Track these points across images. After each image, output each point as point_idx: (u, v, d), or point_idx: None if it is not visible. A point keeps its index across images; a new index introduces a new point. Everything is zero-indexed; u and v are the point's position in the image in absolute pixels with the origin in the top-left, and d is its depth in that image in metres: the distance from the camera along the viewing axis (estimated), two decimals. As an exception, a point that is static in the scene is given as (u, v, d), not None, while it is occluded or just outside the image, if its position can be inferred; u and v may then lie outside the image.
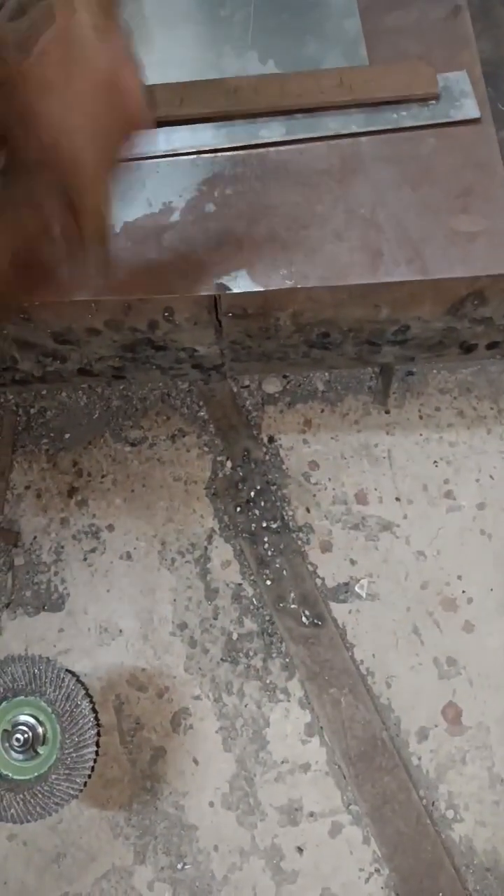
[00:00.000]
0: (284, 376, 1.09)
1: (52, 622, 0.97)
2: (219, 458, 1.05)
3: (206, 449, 1.06)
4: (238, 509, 1.01)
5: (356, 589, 0.94)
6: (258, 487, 1.01)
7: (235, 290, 0.87)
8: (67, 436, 1.08)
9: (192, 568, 0.98)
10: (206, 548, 0.99)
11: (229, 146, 0.92)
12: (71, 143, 0.56)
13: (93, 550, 1.01)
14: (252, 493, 1.01)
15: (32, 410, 1.10)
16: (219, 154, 0.92)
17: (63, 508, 1.04)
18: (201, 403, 1.09)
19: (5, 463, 1.07)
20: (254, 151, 0.93)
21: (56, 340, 0.94)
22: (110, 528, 1.02)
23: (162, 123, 0.92)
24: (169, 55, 0.97)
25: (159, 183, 0.91)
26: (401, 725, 0.88)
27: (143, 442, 1.07)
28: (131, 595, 0.98)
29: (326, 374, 1.08)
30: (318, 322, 0.95)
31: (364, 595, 0.94)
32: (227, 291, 0.87)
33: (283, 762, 0.88)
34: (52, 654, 0.94)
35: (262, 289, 0.87)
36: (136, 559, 1.00)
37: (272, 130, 0.92)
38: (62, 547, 1.01)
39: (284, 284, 0.88)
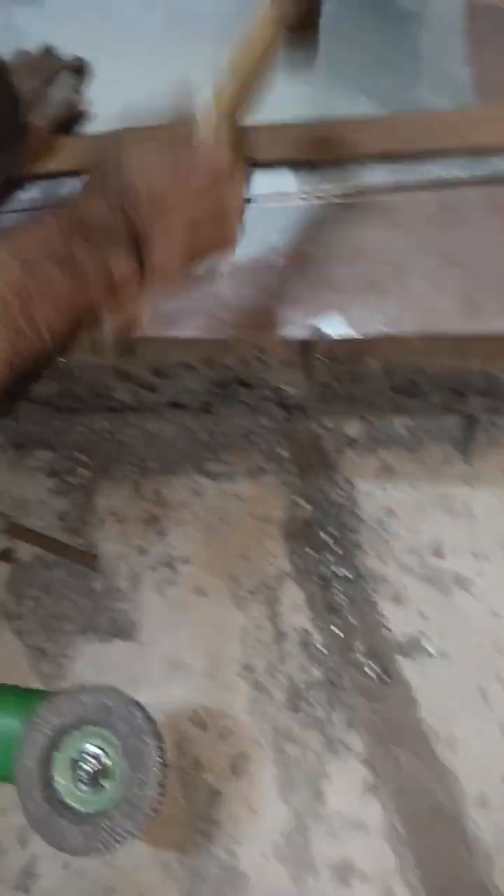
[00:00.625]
0: (367, 420, 1.08)
1: (123, 651, 0.99)
2: (296, 498, 1.05)
3: (284, 488, 1.06)
4: (311, 552, 1.00)
5: (426, 645, 0.92)
6: (333, 531, 1.01)
7: (330, 334, 0.87)
8: (152, 465, 1.11)
9: (262, 608, 0.98)
10: (277, 589, 0.99)
11: (333, 189, 0.93)
12: (169, 257, 0.63)
13: (167, 582, 1.03)
14: (327, 537, 1.01)
15: (121, 438, 1.13)
16: (322, 197, 0.93)
17: (142, 537, 1.06)
18: (282, 441, 1.09)
19: (93, 487, 1.10)
20: (356, 195, 0.93)
21: (153, 373, 0.97)
22: (186, 560, 1.04)
23: (268, 164, 0.93)
24: (278, 95, 0.98)
25: (262, 224, 0.92)
26: (462, 791, 0.86)
27: (223, 476, 1.08)
28: (201, 631, 0.98)
29: (409, 419, 1.06)
30: (407, 369, 0.94)
31: (434, 652, 0.91)
32: (322, 334, 0.87)
33: (339, 818, 0.87)
34: (122, 683, 0.95)
35: (356, 333, 0.87)
36: (209, 594, 1.01)
37: (376, 174, 0.92)
38: (139, 576, 1.04)
39: (379, 330, 0.87)
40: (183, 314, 0.88)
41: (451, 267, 0.88)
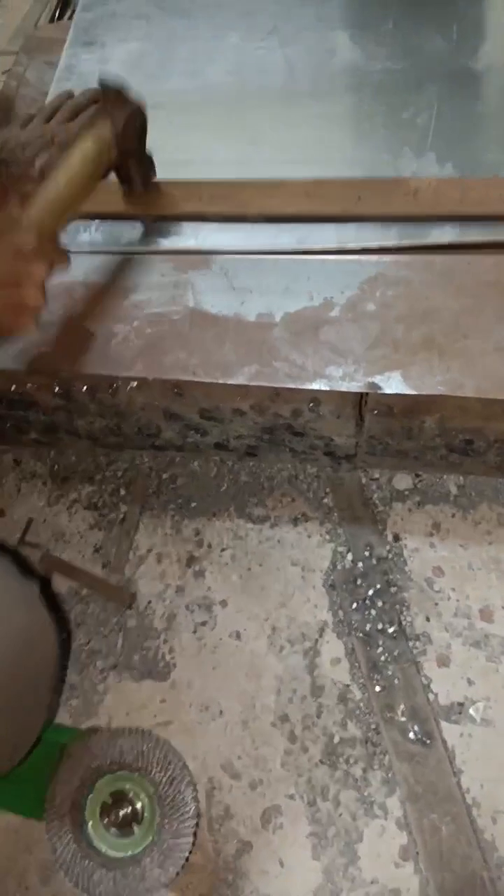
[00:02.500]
0: (416, 474, 1.08)
1: (155, 691, 0.97)
2: (340, 549, 1.04)
3: (327, 537, 1.05)
4: (354, 606, 0.99)
5: (470, 711, 0.90)
6: (378, 586, 1.00)
7: (387, 391, 0.87)
8: (194, 504, 1.10)
9: (301, 659, 0.97)
10: (316, 640, 0.98)
11: (397, 246, 0.93)
12: None
13: (204, 624, 1.01)
14: (371, 591, 0.99)
15: (164, 476, 1.13)
16: (385, 254, 0.94)
17: (180, 576, 1.05)
18: (328, 490, 1.09)
19: (133, 523, 1.10)
20: (421, 255, 0.94)
21: (202, 416, 0.97)
22: (223, 603, 1.02)
23: (336, 219, 0.94)
24: (350, 152, 1.00)
25: (324, 277, 0.93)
26: (502, 865, 0.83)
27: (265, 521, 1.08)
28: (236, 677, 0.97)
29: (461, 477, 1.06)
30: (463, 430, 0.94)
31: (478, 719, 0.89)
32: (379, 391, 0.87)
33: (372, 882, 0.84)
34: (152, 724, 0.94)
35: (413, 392, 0.87)
36: (245, 640, 0.99)
37: (444, 233, 0.92)
38: (174, 615, 1.02)
39: (437, 391, 0.87)
40: (237, 362, 0.88)
41: (512, 331, 0.88)
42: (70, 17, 1.31)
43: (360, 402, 0.91)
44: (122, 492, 1.13)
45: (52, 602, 1.05)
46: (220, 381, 0.90)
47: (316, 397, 0.91)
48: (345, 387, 0.88)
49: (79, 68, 1.15)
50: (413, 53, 1.07)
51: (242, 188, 0.95)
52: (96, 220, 0.99)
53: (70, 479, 1.15)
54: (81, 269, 0.97)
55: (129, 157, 0.85)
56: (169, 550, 1.07)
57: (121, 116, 0.79)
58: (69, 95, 0.88)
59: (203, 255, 0.96)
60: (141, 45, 1.15)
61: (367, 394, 0.89)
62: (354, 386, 0.87)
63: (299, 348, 0.90)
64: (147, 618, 1.03)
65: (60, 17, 1.33)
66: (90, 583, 1.07)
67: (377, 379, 0.87)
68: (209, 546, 1.07)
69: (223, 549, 1.06)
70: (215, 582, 1.04)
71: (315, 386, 0.88)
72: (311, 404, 0.92)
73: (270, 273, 0.94)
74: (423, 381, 0.87)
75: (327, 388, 0.88)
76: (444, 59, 1.06)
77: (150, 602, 1.04)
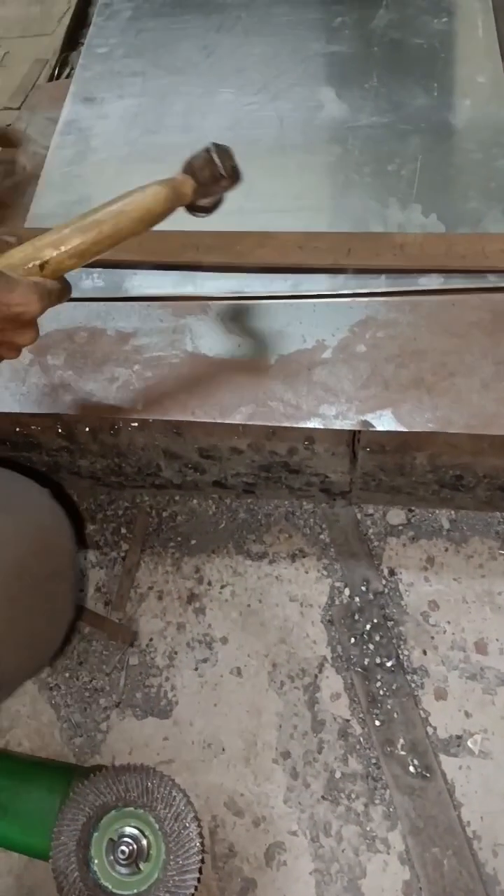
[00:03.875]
0: (410, 509, 1.10)
1: (158, 729, 0.98)
2: (337, 584, 1.06)
3: (324, 573, 1.07)
4: (353, 641, 1.01)
5: (469, 744, 0.91)
6: (375, 621, 1.01)
7: (379, 428, 0.90)
8: (193, 542, 1.12)
9: (301, 695, 0.98)
10: (316, 676, 0.99)
11: (385, 291, 0.97)
12: None
13: (205, 661, 1.03)
14: (368, 626, 1.01)
15: (164, 514, 1.15)
16: (374, 297, 0.98)
17: (181, 614, 1.06)
18: (324, 526, 1.11)
19: (133, 561, 1.12)
20: (408, 298, 0.98)
21: (200, 455, 1.00)
22: (224, 640, 1.04)
23: (327, 270, 0.98)
24: (340, 203, 1.05)
25: (316, 321, 0.97)
26: (505, 901, 0.84)
27: (263, 557, 1.10)
28: (238, 714, 0.98)
29: (453, 512, 1.08)
30: (453, 465, 0.97)
31: (477, 752, 0.91)
32: (371, 429, 0.90)
33: (376, 919, 0.84)
34: (155, 762, 0.95)
35: (404, 429, 0.90)
36: (246, 677, 1.01)
37: (430, 280, 0.97)
38: (176, 653, 1.04)
39: (427, 427, 0.90)
40: (234, 403, 0.92)
41: (501, 371, 0.92)
42: (69, 76, 1.36)
43: (353, 439, 0.94)
44: (123, 530, 1.15)
45: (65, 504, 1.06)
46: (219, 421, 0.93)
47: (310, 435, 0.94)
48: (338, 425, 0.91)
49: (78, 123, 1.20)
50: (396, 109, 1.12)
51: (237, 239, 0.99)
52: (98, 268, 1.03)
53: (72, 518, 1.17)
54: (83, 315, 1.00)
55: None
56: (170, 588, 1.09)
57: (214, 191, 0.72)
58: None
59: (200, 301, 1.00)
60: (138, 101, 1.21)
61: (359, 431, 0.92)
62: (347, 424, 0.91)
63: (294, 388, 0.93)
64: (149, 655, 1.04)
65: (58, 77, 1.39)
66: (93, 621, 1.08)
67: (369, 417, 0.90)
68: (209, 583, 1.09)
69: (223, 586, 1.08)
70: (215, 619, 1.06)
71: (310, 424, 0.91)
72: (305, 442, 0.95)
73: (264, 318, 0.97)
74: (414, 419, 0.90)
75: (321, 427, 0.92)
76: (426, 115, 1.11)
77: (151, 639, 1.05)
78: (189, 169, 0.70)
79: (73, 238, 0.65)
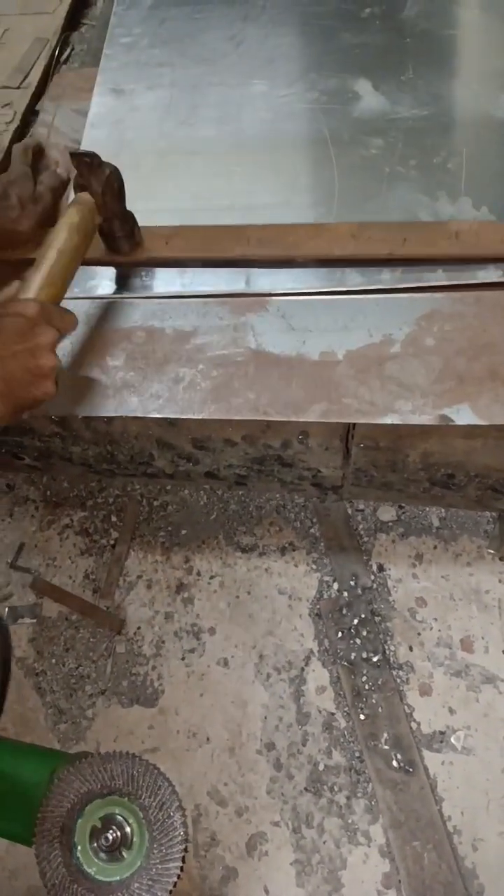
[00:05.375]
0: (400, 506, 1.11)
1: (143, 717, 0.99)
2: (326, 579, 1.06)
3: (314, 566, 1.08)
4: (340, 635, 1.01)
5: (452, 740, 0.92)
6: (363, 616, 1.02)
7: (458, 423, 0.88)
8: (184, 532, 1.12)
9: (287, 687, 0.99)
10: (302, 669, 1.00)
11: (447, 284, 0.95)
12: None
13: (192, 651, 1.03)
14: (356, 621, 1.02)
15: (155, 503, 1.15)
16: (435, 292, 0.96)
17: (170, 603, 1.07)
18: (314, 520, 1.12)
19: (123, 549, 1.12)
20: (470, 292, 0.96)
21: (194, 446, 0.99)
22: (212, 630, 1.04)
23: (383, 262, 0.97)
24: (389, 197, 1.03)
25: (379, 315, 0.94)
26: (484, 895, 0.85)
27: (253, 549, 1.10)
28: (223, 704, 0.98)
29: (443, 510, 1.09)
30: (446, 464, 0.97)
31: (459, 748, 0.92)
32: (451, 423, 0.88)
33: (355, 910, 0.85)
34: (140, 749, 0.95)
35: (485, 423, 0.88)
36: (233, 668, 1.01)
37: (489, 273, 0.95)
38: (163, 642, 1.04)
39: None
40: (307, 400, 0.89)
41: None
42: (69, 59, 1.34)
43: (347, 434, 0.94)
44: (114, 518, 1.15)
45: None
46: (293, 419, 0.91)
47: (305, 430, 0.93)
48: (415, 420, 0.88)
49: (110, 116, 1.17)
50: (435, 101, 1.11)
51: (289, 231, 0.97)
52: (147, 266, 1.00)
53: (62, 504, 1.17)
54: (139, 314, 0.97)
55: (112, 219, 0.89)
56: (158, 577, 1.09)
57: (98, 183, 0.83)
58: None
59: (258, 297, 0.97)
60: (169, 92, 1.18)
61: (352, 426, 0.92)
62: (425, 419, 0.88)
63: (367, 384, 0.90)
64: (136, 644, 1.04)
65: (60, 57, 1.37)
66: (80, 608, 1.08)
67: (447, 411, 0.87)
68: (198, 573, 1.09)
69: (212, 577, 1.08)
70: (204, 609, 1.06)
71: (387, 420, 0.88)
72: (300, 436, 0.94)
73: (326, 313, 0.95)
74: (493, 412, 0.87)
75: (399, 423, 0.89)
76: (466, 107, 1.10)
77: (139, 628, 1.06)
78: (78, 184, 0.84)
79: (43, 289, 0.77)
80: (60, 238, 0.80)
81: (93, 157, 0.82)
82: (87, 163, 0.82)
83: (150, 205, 1.04)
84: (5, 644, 1.03)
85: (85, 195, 0.83)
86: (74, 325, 0.79)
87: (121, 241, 0.93)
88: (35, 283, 0.76)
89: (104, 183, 0.83)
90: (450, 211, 1.01)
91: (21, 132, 1.20)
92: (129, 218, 0.92)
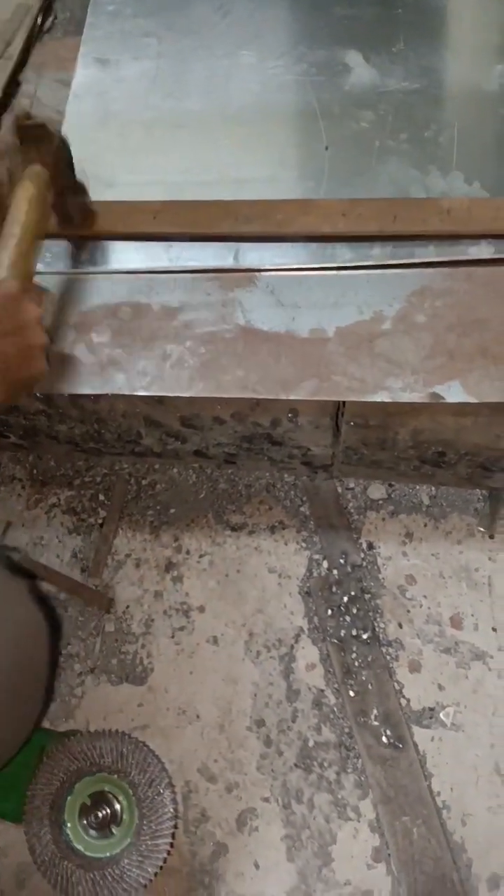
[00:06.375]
0: (390, 484, 1.10)
1: (132, 695, 0.99)
2: (315, 557, 1.06)
3: (303, 545, 1.07)
4: (329, 612, 1.01)
5: (441, 716, 0.93)
6: (352, 593, 1.02)
7: (449, 400, 0.87)
8: (173, 510, 1.12)
9: (277, 665, 0.99)
10: (292, 646, 1.00)
11: (438, 261, 0.94)
12: None
13: (181, 629, 1.03)
14: (345, 598, 1.02)
15: (144, 482, 1.14)
16: (427, 269, 0.95)
17: (159, 582, 1.06)
18: (304, 499, 1.11)
19: (111, 528, 1.11)
20: (461, 268, 0.95)
21: (182, 424, 0.98)
22: (201, 609, 1.04)
23: (374, 238, 0.96)
24: (379, 172, 1.01)
25: (370, 292, 0.93)
26: (472, 868, 0.86)
27: (243, 528, 1.10)
28: (213, 681, 0.98)
29: (433, 488, 1.09)
30: (436, 441, 0.96)
31: (449, 724, 0.92)
32: (441, 401, 0.88)
33: (345, 884, 0.86)
34: (129, 727, 0.95)
35: (475, 400, 0.87)
36: (223, 645, 1.01)
37: (481, 249, 0.94)
38: (152, 620, 1.04)
39: (500, 398, 0.87)
40: (296, 378, 0.88)
41: None
42: (52, 28, 1.31)
43: (336, 412, 0.93)
44: (101, 497, 1.14)
45: (41, 598, 1.06)
46: (283, 397, 0.90)
47: (294, 408, 0.93)
48: (406, 398, 0.87)
49: (94, 87, 1.15)
50: (427, 74, 1.08)
51: (277, 208, 0.95)
52: (135, 241, 0.98)
53: (49, 483, 1.16)
54: (124, 290, 0.95)
55: (64, 189, 0.86)
56: (147, 556, 1.09)
57: (49, 154, 0.80)
58: None
59: (247, 273, 0.95)
60: (155, 63, 1.15)
61: (342, 403, 0.91)
62: (416, 396, 0.87)
63: (357, 361, 0.89)
64: (125, 622, 1.04)
65: (42, 25, 1.33)
66: (69, 587, 1.08)
67: (438, 389, 0.87)
68: (187, 552, 1.08)
69: (201, 556, 1.08)
70: (193, 588, 1.06)
71: (377, 398, 0.87)
72: (289, 414, 0.94)
73: (316, 289, 0.93)
74: (483, 389, 0.87)
75: (390, 400, 0.88)
76: (458, 80, 1.08)
77: (128, 607, 1.05)
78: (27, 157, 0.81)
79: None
80: (21, 212, 0.77)
81: (42, 127, 0.80)
82: (36, 134, 0.79)
83: (136, 178, 1.02)
84: (56, 629, 1.02)
85: (36, 167, 0.80)
86: (52, 301, 0.77)
87: (74, 213, 0.91)
88: (5, 262, 0.74)
89: (54, 154, 0.80)
90: (441, 186, 0.99)
91: (2, 104, 1.17)
92: (81, 189, 0.89)
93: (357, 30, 1.15)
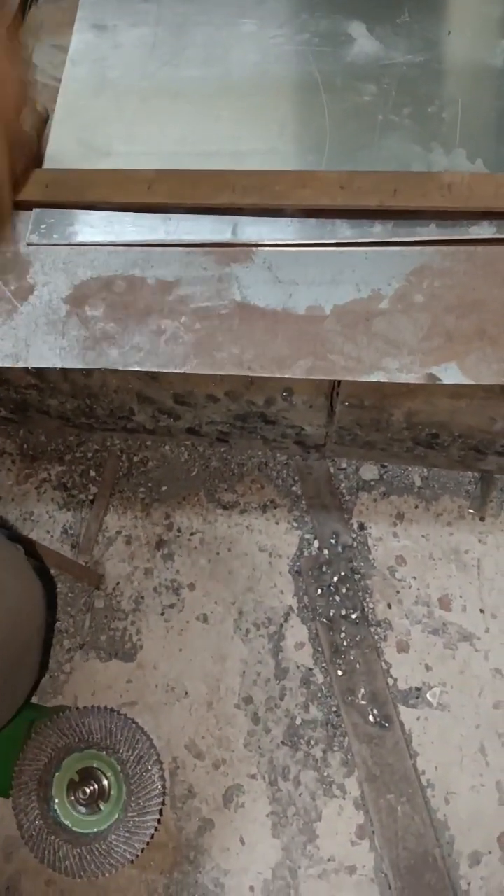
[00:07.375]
0: (383, 465, 1.10)
1: (121, 671, 0.99)
2: (306, 536, 1.06)
3: (295, 524, 1.07)
4: (319, 592, 1.01)
5: (427, 696, 0.93)
6: (342, 573, 1.02)
7: (446, 382, 0.87)
8: (164, 488, 1.11)
9: (266, 643, 0.99)
10: (281, 625, 1.00)
11: (439, 239, 0.93)
12: None
13: (171, 606, 1.03)
14: (335, 578, 1.02)
15: (135, 458, 1.13)
16: (427, 247, 0.94)
17: (149, 559, 1.06)
18: (296, 478, 1.11)
19: (102, 505, 1.10)
20: (461, 247, 0.94)
21: (175, 401, 0.97)
22: (191, 586, 1.04)
23: (373, 213, 0.95)
24: (381, 147, 1.00)
25: (368, 269, 0.92)
26: (454, 845, 0.87)
27: (234, 507, 1.09)
28: (202, 659, 0.99)
29: (425, 470, 1.09)
30: (430, 423, 0.96)
31: (435, 704, 0.93)
32: (438, 382, 0.87)
33: (329, 860, 0.87)
34: (118, 703, 0.96)
35: (471, 382, 0.87)
36: (212, 623, 1.01)
37: (482, 229, 0.93)
38: (142, 597, 1.04)
39: (497, 380, 0.87)
40: (292, 356, 0.87)
41: None
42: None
43: (332, 392, 0.92)
44: (93, 473, 1.14)
45: (38, 564, 1.06)
46: (277, 375, 0.89)
47: (289, 386, 0.92)
48: (402, 378, 0.86)
49: (91, 53, 1.12)
50: (431, 47, 1.06)
51: (275, 179, 0.94)
52: (130, 212, 0.97)
53: (39, 458, 1.15)
54: (119, 262, 0.94)
55: None
56: (138, 533, 1.08)
57: None
58: None
59: (243, 247, 0.94)
60: (153, 30, 1.12)
61: (337, 383, 0.90)
62: (412, 377, 0.86)
63: (353, 340, 0.88)
64: (115, 599, 1.04)
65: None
66: (58, 563, 1.07)
67: (434, 370, 0.86)
68: (178, 530, 1.08)
69: (192, 534, 1.08)
70: (183, 566, 1.06)
71: (373, 378, 0.87)
72: (284, 393, 0.93)
73: (314, 266, 0.92)
74: (480, 371, 0.86)
75: (386, 381, 0.87)
76: (463, 55, 1.06)
77: (118, 584, 1.05)
78: None
79: None
80: None
81: None
82: None
83: (132, 147, 1.00)
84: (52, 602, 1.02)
85: None
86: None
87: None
88: None
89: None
90: (444, 162, 0.98)
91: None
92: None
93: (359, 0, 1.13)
